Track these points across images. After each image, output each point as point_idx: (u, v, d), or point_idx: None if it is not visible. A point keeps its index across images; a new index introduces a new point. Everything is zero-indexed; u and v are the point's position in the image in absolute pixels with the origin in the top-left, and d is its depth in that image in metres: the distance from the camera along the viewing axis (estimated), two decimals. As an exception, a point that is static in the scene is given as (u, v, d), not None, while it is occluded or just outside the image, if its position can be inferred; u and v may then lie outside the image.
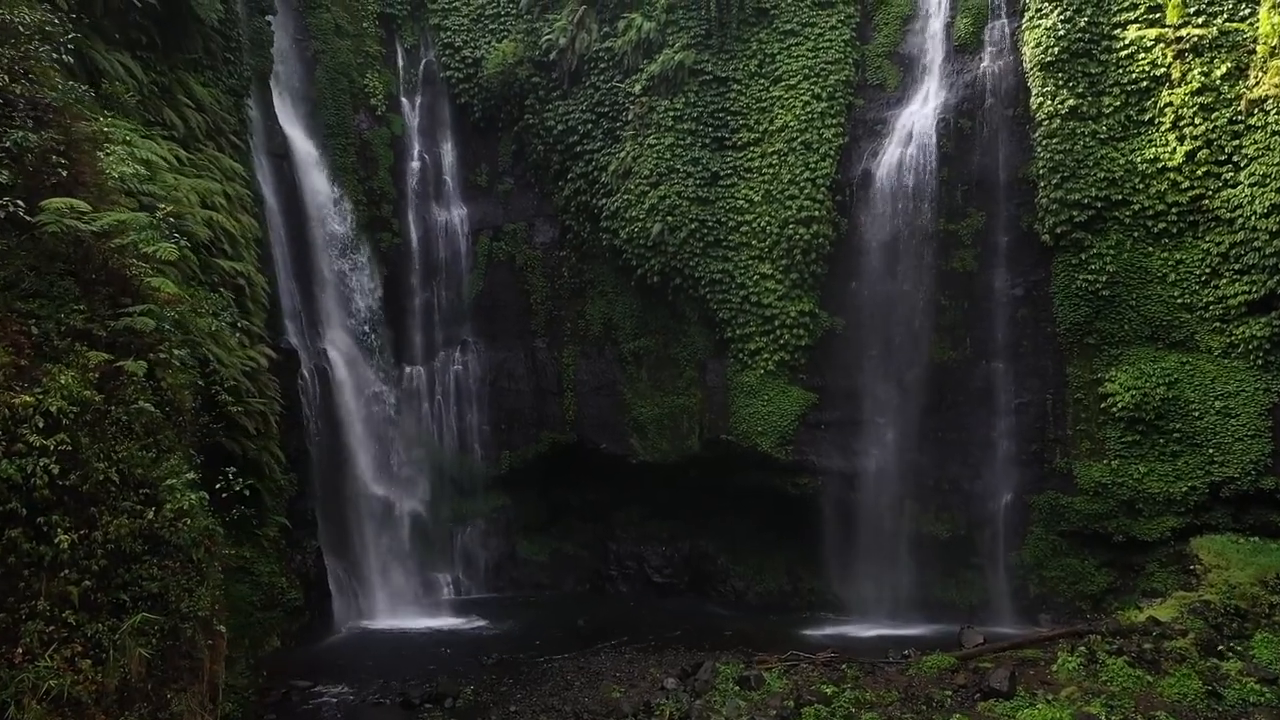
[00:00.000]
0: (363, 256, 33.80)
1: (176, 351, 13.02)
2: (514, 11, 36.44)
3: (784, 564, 33.46)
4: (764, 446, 31.69)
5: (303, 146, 32.49)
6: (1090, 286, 28.62)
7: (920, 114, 31.25)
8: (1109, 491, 28.25)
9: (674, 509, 35.28)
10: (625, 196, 33.31)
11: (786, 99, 32.40)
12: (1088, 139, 28.63)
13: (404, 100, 36.82)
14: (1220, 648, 20.10)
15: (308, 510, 28.43)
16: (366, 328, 33.50)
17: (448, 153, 37.19)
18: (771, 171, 32.13)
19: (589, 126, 34.65)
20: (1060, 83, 28.93)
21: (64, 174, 12.28)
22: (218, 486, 15.08)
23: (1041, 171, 29.12)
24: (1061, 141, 28.81)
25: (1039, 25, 29.41)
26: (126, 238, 12.27)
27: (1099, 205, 28.44)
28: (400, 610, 31.35)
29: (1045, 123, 29.10)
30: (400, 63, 36.97)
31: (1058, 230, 28.93)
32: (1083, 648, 20.39)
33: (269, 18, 31.55)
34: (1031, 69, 29.53)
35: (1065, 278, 29.04)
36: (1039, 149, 29.24)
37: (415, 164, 36.60)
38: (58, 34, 14.13)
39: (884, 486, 31.24)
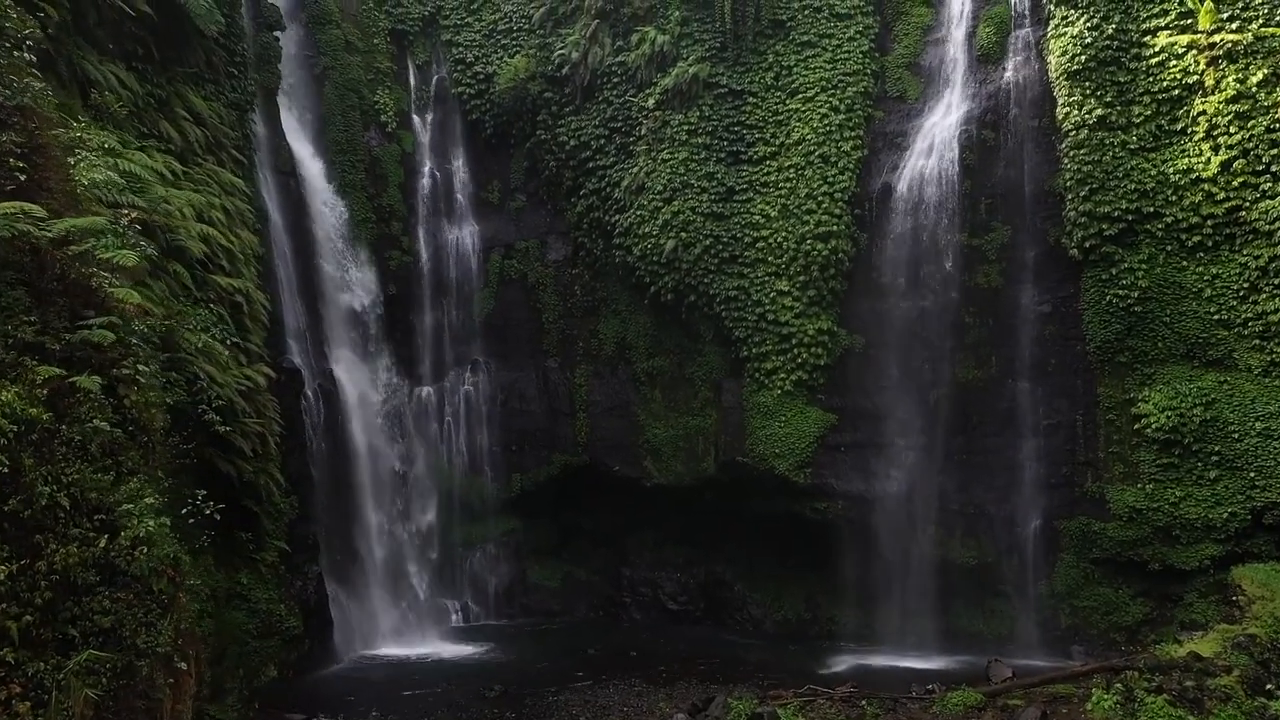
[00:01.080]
0: (371, 275, 33.14)
1: (142, 367, 12.21)
2: (526, 27, 35.90)
3: (803, 591, 32.29)
4: (781, 469, 30.61)
5: (310, 163, 31.97)
6: (1121, 302, 27.43)
7: (942, 125, 30.28)
8: (1144, 517, 26.94)
9: (689, 534, 34.23)
10: (638, 212, 32.52)
11: (804, 111, 31.54)
12: (1117, 149, 27.55)
13: (415, 117, 36.31)
14: (1269, 686, 18.77)
15: (309, 534, 27.61)
16: (374, 347, 32.79)
17: (459, 169, 36.59)
18: (788, 186, 31.24)
19: (602, 142, 33.94)
20: (1088, 92, 27.90)
21: (23, 179, 11.55)
22: (206, 509, 14.32)
23: (1069, 183, 28.05)
24: (1090, 152, 27.75)
25: (1065, 33, 28.44)
26: (84, 244, 11.51)
27: (1130, 218, 27.30)
28: (406, 638, 30.43)
29: (1072, 133, 28.07)
30: (412, 79, 36.50)
31: (1087, 244, 27.80)
32: (1119, 684, 19.08)
33: (277, 33, 31.12)
34: (1057, 78, 28.53)
35: (1095, 293, 27.88)
36: (1066, 160, 28.19)
37: (426, 181, 36.01)
38: (16, 32, 13.40)
39: (906, 511, 30.06)
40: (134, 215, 13.58)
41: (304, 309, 29.89)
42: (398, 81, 35.91)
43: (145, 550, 10.86)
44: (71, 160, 13.59)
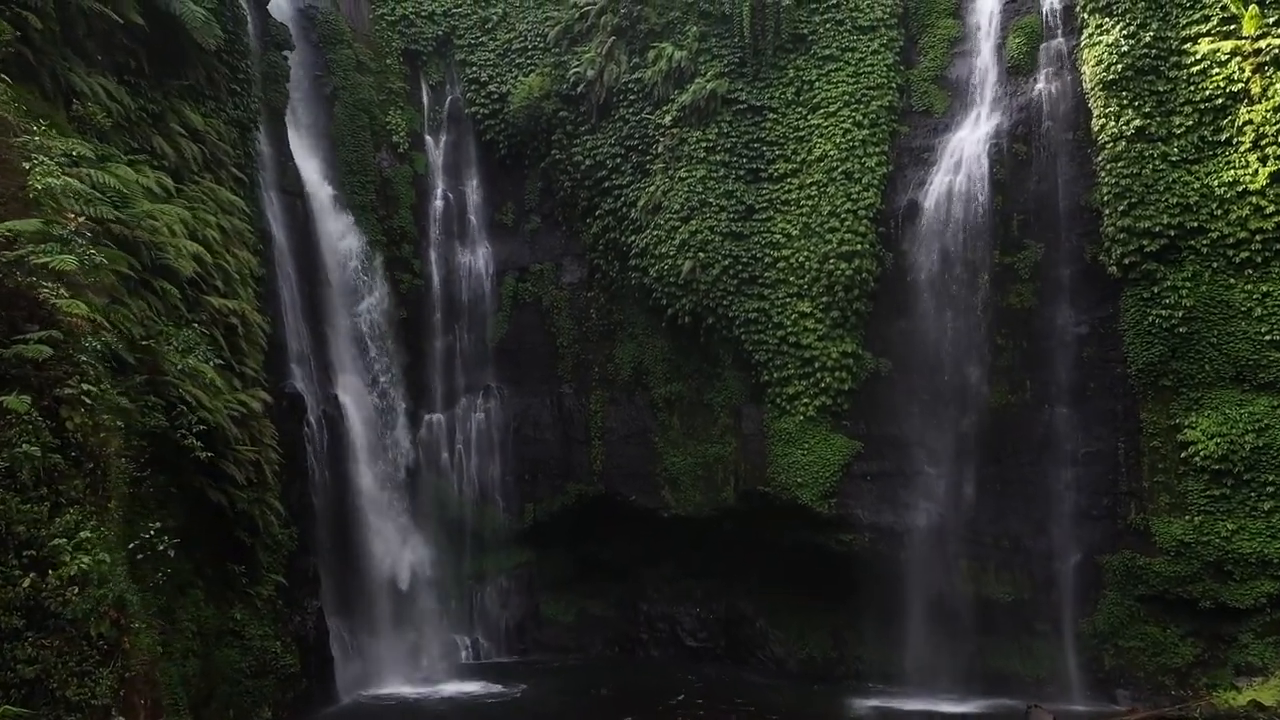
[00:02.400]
0: (380, 298, 32.21)
1: (90, 386, 11.13)
2: (541, 45, 35.17)
3: (828, 628, 30.73)
4: (804, 499, 29.20)
5: (318, 184, 31.20)
6: (1165, 323, 25.89)
7: (971, 139, 29.06)
8: (1193, 551, 25.24)
9: (708, 566, 32.85)
10: (655, 232, 31.44)
11: (826, 127, 30.42)
12: (1157, 162, 26.14)
13: (428, 137, 35.55)
14: (1339, 740, 17.09)
15: (309, 567, 26.47)
16: (382, 373, 31.79)
17: (472, 191, 35.74)
18: (810, 203, 30.07)
19: (618, 161, 32.97)
20: (1125, 102, 26.58)
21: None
22: (160, 544, 13.23)
23: (1106, 198, 26.66)
24: (1128, 165, 26.37)
25: (1099, 42, 27.17)
26: (18, 251, 10.50)
27: (1172, 233, 25.83)
28: (412, 676, 29.19)
29: (1109, 145, 26.72)
30: (425, 99, 35.80)
31: (1126, 261, 26.34)
32: (1173, 736, 17.48)
33: (285, 53, 30.51)
34: (1092, 89, 27.23)
35: (1136, 313, 26.37)
36: (1103, 174, 26.83)
37: (438, 203, 35.18)
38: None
39: (937, 544, 28.58)
40: (81, 220, 12.59)
41: (308, 333, 28.97)
42: (410, 102, 35.22)
43: (80, 590, 9.72)
44: (27, 166, 12.65)
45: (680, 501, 31.97)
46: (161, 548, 12.58)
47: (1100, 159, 27.01)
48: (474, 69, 35.53)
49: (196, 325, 18.84)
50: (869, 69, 30.51)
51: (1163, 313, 25.94)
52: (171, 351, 17.29)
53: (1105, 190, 26.75)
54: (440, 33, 35.62)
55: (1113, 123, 26.73)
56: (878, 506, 29.44)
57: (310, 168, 31.35)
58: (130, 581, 11.60)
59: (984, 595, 28.15)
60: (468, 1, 35.87)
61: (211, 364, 19.00)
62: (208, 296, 21.69)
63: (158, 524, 13.43)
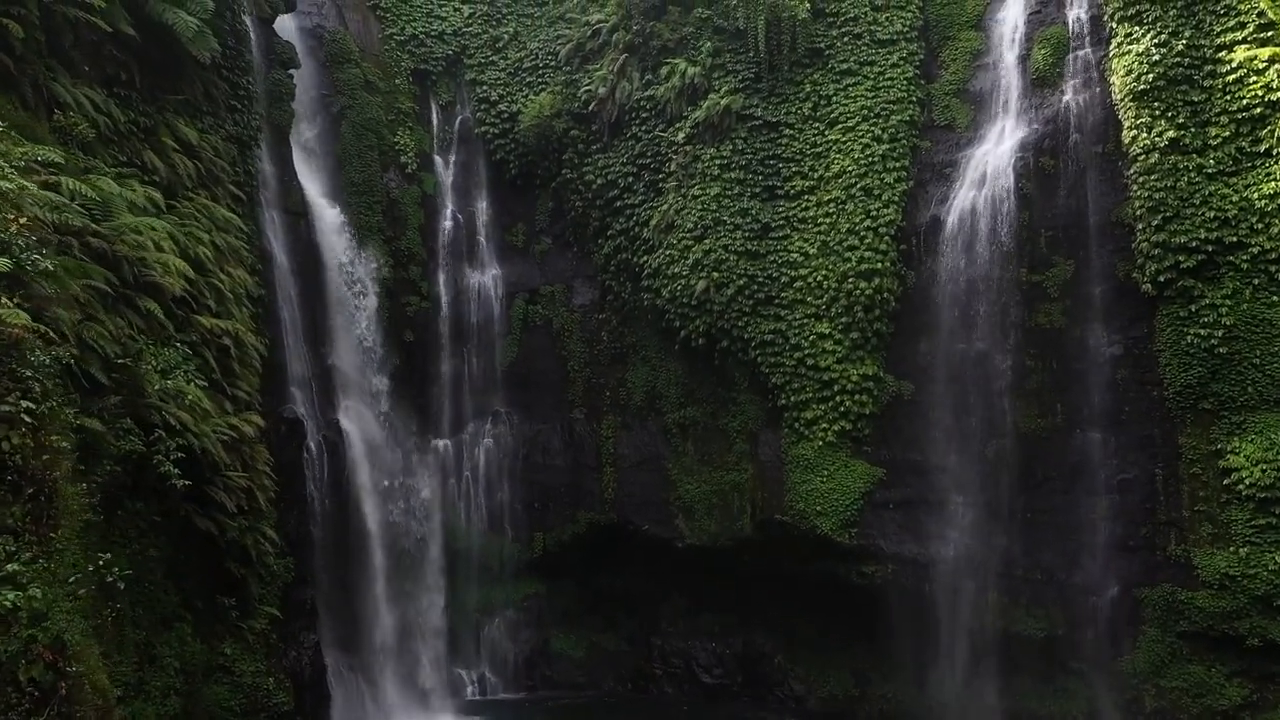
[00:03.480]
0: (386, 321, 31.34)
1: (32, 403, 10.18)
2: (553, 64, 34.50)
3: (850, 665, 29.44)
4: (824, 529, 27.97)
5: (323, 204, 30.49)
6: (1203, 343, 24.57)
7: (995, 154, 28.00)
8: (1239, 585, 23.76)
9: (725, 599, 31.64)
10: (667, 252, 30.49)
11: (844, 142, 29.45)
12: (1193, 174, 24.94)
13: (437, 158, 34.84)
14: None
15: (307, 599, 25.44)
16: (388, 397, 30.88)
17: (482, 211, 34.96)
18: (828, 221, 29.05)
19: (630, 179, 32.12)
20: (1157, 113, 25.43)
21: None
22: (109, 577, 12.22)
23: (1139, 212, 25.47)
24: (1162, 178, 25.17)
25: (1129, 51, 26.08)
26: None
27: (1210, 249, 24.57)
28: (415, 714, 28.02)
29: (1141, 158, 25.56)
30: (434, 119, 35.13)
31: (1161, 278, 25.08)
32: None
33: (291, 71, 29.92)
34: (1122, 99, 26.12)
35: (1172, 333, 25.05)
36: (1135, 187, 25.65)
37: (448, 224, 34.40)
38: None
39: (964, 576, 27.28)
40: (24, 221, 11.70)
41: (310, 356, 28.12)
42: (419, 122, 34.55)
43: (5, 630, 8.70)
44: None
45: (695, 531, 30.78)
46: (110, 579, 11.43)
47: (1132, 172, 25.84)
48: (484, 88, 34.87)
49: (180, 345, 17.90)
50: (888, 83, 29.58)
51: (1201, 332, 24.63)
52: (150, 372, 16.37)
53: (1138, 204, 25.56)
54: (450, 52, 35.01)
55: (1145, 134, 25.57)
56: (901, 537, 28.18)
57: (315, 188, 30.67)
58: (80, 618, 10.57)
59: (1015, 631, 26.78)
60: (478, 21, 35.29)
61: (195, 384, 18.10)
62: (199, 316, 20.86)
63: (108, 555, 12.29)
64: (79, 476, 14.62)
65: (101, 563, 11.58)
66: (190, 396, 17.39)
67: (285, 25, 31.08)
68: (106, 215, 17.01)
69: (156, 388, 16.25)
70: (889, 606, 28.04)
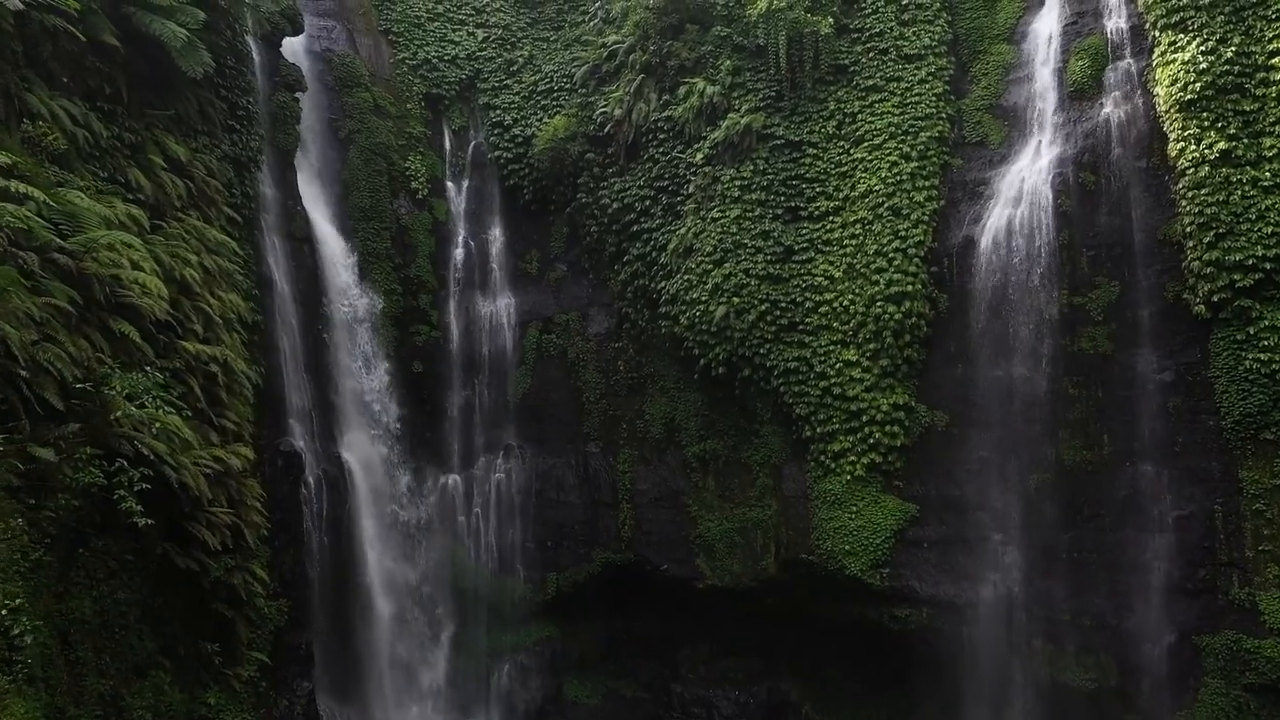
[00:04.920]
0: (393, 351, 30.13)
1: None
2: (568, 87, 33.55)
3: (883, 716, 27.52)
4: (853, 569, 26.26)
5: (329, 230, 29.51)
6: (1263, 367, 22.80)
7: (1031, 170, 26.53)
8: (1311, 633, 21.71)
9: (749, 644, 30.00)
10: (686, 277, 29.14)
11: (870, 161, 28.11)
12: (1246, 188, 23.30)
13: (449, 184, 33.80)
14: None
15: (301, 644, 24.05)
16: (394, 430, 29.59)
17: (495, 238, 33.81)
18: (854, 243, 27.63)
19: (647, 203, 30.89)
20: (1206, 124, 23.88)
21: None
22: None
23: (1189, 229, 23.81)
24: (1213, 193, 23.54)
25: (1174, 60, 24.61)
26: None
27: (1268, 266, 22.86)
28: (419, 766, 26.38)
29: (1190, 172, 23.96)
30: (447, 144, 34.15)
31: (1215, 299, 23.34)
32: None
33: (297, 94, 29.10)
34: (1168, 111, 24.60)
35: (1229, 357, 23.27)
36: (1184, 203, 24.02)
37: (459, 251, 33.26)
38: None
39: (1007, 621, 25.54)
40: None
41: (311, 386, 26.95)
42: (431, 147, 33.58)
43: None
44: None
45: (716, 571, 29.11)
46: (18, 632, 10.01)
47: (1180, 187, 24.22)
48: (498, 112, 33.91)
49: (152, 369, 16.60)
50: (916, 99, 28.28)
51: (1261, 356, 22.82)
52: (117, 398, 15.12)
53: (1188, 221, 23.91)
54: (464, 76, 34.11)
55: (1193, 147, 23.99)
56: (936, 578, 26.44)
57: (321, 213, 29.71)
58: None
59: (1062, 681, 24.95)
60: (493, 45, 34.45)
61: (173, 413, 16.85)
62: (184, 341, 19.74)
63: (18, 600, 10.88)
64: (28, 511, 13.38)
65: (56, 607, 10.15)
66: (162, 424, 16.11)
67: (293, 48, 30.32)
68: (76, 230, 15.89)
69: (125, 415, 14.94)
70: (925, 653, 26.26)
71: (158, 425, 15.59)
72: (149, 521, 15.22)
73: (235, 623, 20.69)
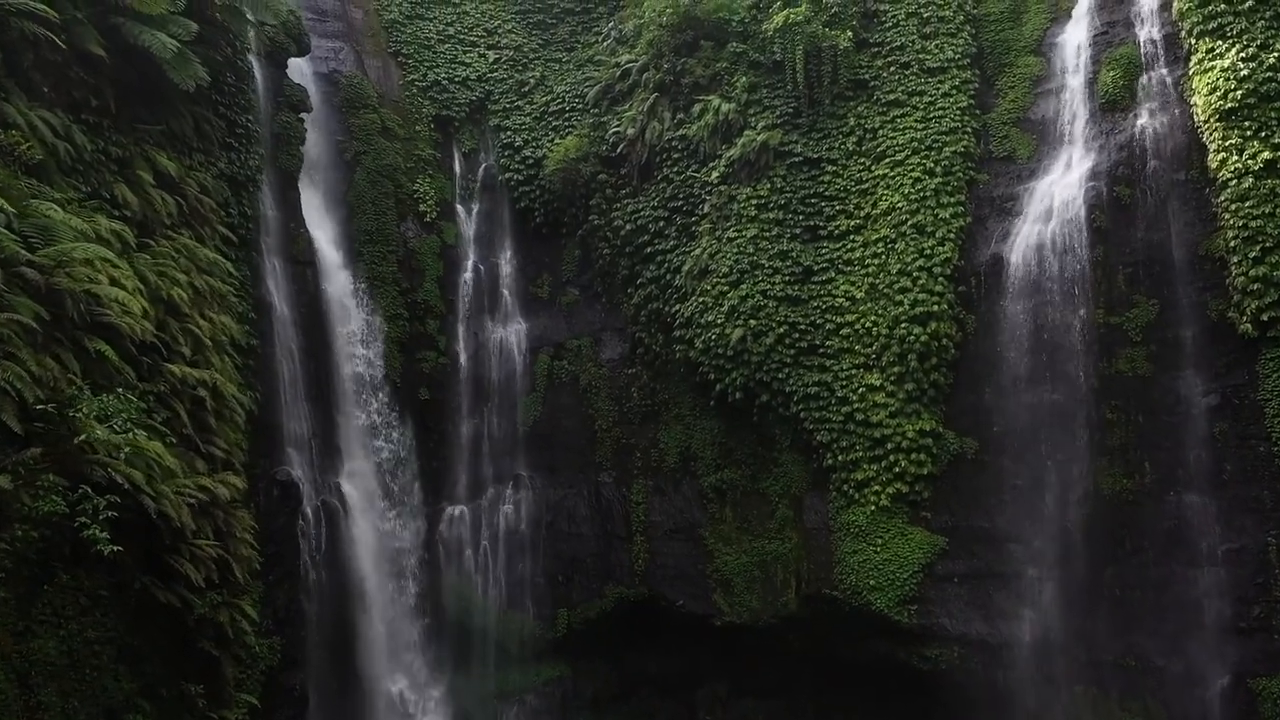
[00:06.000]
0: (398, 378, 29.13)
1: None
2: (580, 107, 32.77)
3: (913, 763, 25.78)
4: (879, 605, 24.88)
5: (332, 253, 28.71)
6: (1318, 390, 21.30)
7: (1062, 184, 25.38)
8: (1378, 677, 20.05)
9: (770, 684, 28.62)
10: (701, 299, 28.04)
11: (892, 177, 27.03)
12: (1294, 199, 21.94)
13: (459, 207, 32.94)
14: None
15: (296, 684, 22.91)
16: (398, 460, 28.55)
17: (506, 262, 32.88)
18: (877, 262, 26.49)
19: (661, 224, 29.90)
20: (1249, 133, 22.67)
21: None
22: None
23: (1233, 244, 22.52)
24: (1258, 204, 22.26)
25: (1213, 68, 23.45)
26: None
27: (1319, 281, 21.44)
28: (419, 815, 25.00)
29: (1233, 183, 22.72)
30: (457, 167, 33.36)
31: (1263, 317, 21.97)
32: None
33: (302, 115, 28.43)
34: (1207, 121, 23.39)
35: (1280, 379, 21.82)
36: (1227, 216, 22.73)
37: (468, 275, 32.33)
38: None
39: (1044, 662, 23.95)
40: None
41: (312, 413, 25.97)
42: (441, 170, 32.79)
43: None
44: None
45: (734, 607, 27.71)
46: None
47: (1222, 199, 22.93)
48: (508, 134, 33.13)
49: (124, 392, 15.57)
50: (940, 113, 27.28)
51: (1314, 377, 21.38)
52: (87, 421, 14.11)
53: (1231, 235, 22.59)
54: (474, 98, 33.40)
55: (1235, 157, 22.72)
56: (968, 615, 24.95)
57: (325, 236, 28.90)
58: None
59: (1106, 728, 23.14)
60: (504, 66, 33.77)
61: (152, 438, 15.83)
62: (170, 364, 18.80)
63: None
64: (-22, 542, 12.35)
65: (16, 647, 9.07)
66: (135, 449, 15.05)
67: (300, 70, 29.77)
68: (49, 244, 14.99)
69: (95, 439, 13.92)
70: (956, 695, 24.73)
71: (126, 450, 14.52)
72: (116, 549, 14.08)
73: (222, 662, 19.52)
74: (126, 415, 14.58)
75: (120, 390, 15.04)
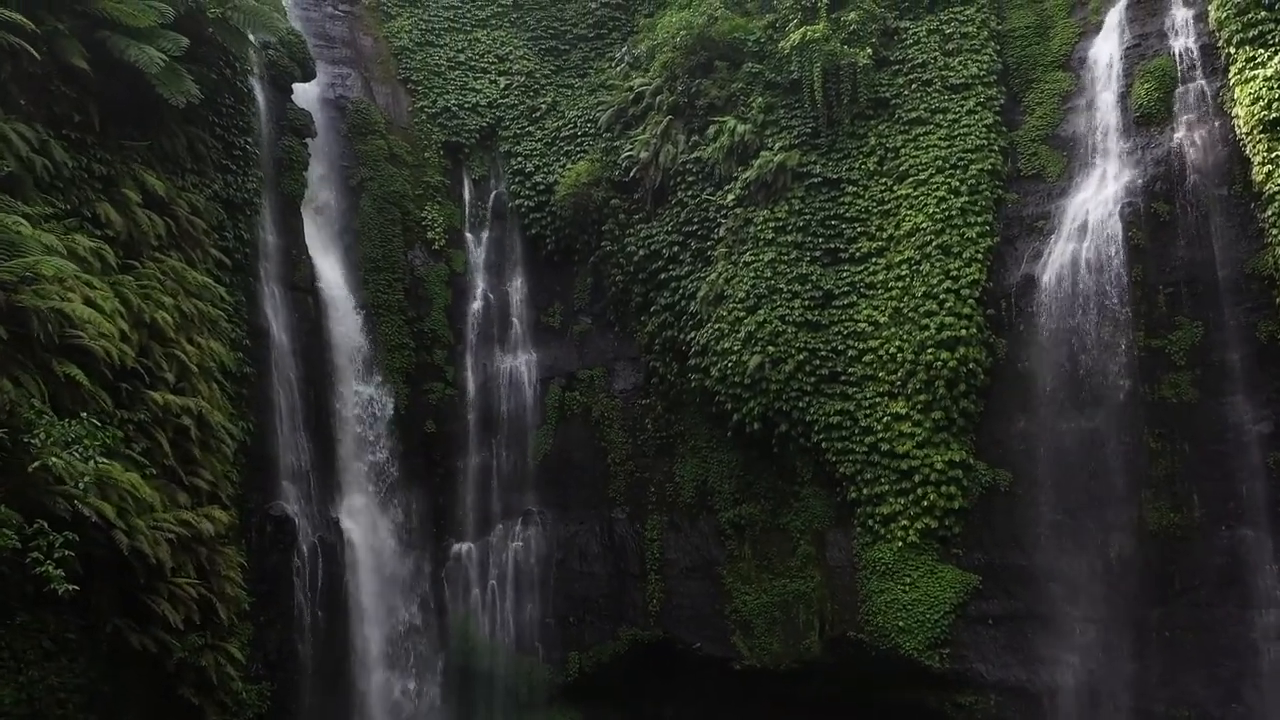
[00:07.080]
0: (403, 409, 28.08)
1: None
2: (592, 132, 31.92)
3: (947, 821, 24.04)
4: (908, 649, 23.34)
5: (336, 280, 27.86)
6: (1381, 415, 19.78)
7: (1096, 201, 24.17)
8: None
9: (794, 734, 26.65)
10: (717, 326, 26.88)
11: (916, 197, 25.92)
12: (1346, 212, 20.60)
13: (469, 235, 32.08)
14: None
15: (287, 732, 21.52)
16: (401, 495, 27.40)
17: (516, 290, 31.89)
18: (901, 285, 25.28)
19: (675, 249, 28.85)
20: (1295, 144, 21.30)
21: None
22: None
23: (1282, 261, 21.11)
24: (1308, 219, 20.88)
25: (1255, 77, 22.30)
26: None
27: (1378, 299, 20.02)
28: None
29: (1279, 198, 21.31)
30: (466, 194, 32.54)
31: (1318, 338, 20.51)
32: None
33: (306, 140, 27.77)
34: (1250, 132, 22.20)
35: (1338, 404, 20.34)
36: (1275, 232, 21.47)
37: (477, 304, 31.34)
38: None
39: (1088, 710, 22.29)
40: None
41: (310, 446, 24.92)
42: (450, 197, 31.98)
43: None
44: None
45: (754, 650, 26.22)
46: None
47: (1269, 215, 21.63)
48: (519, 159, 32.30)
49: (88, 416, 14.47)
50: (965, 130, 26.17)
51: (1377, 402, 19.88)
52: (47, 449, 13.05)
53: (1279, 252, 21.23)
54: (485, 124, 32.63)
55: (1281, 169, 21.44)
56: (1004, 659, 23.36)
57: (328, 263, 28.08)
58: None
59: (1157, 784, 21.43)
60: (515, 91, 33.03)
61: (125, 468, 14.77)
62: (152, 391, 17.79)
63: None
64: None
65: None
66: (98, 479, 13.97)
67: (307, 96, 29.17)
68: (13, 258, 14.07)
69: (59, 468, 12.85)
70: (995, 748, 22.99)
71: (87, 479, 13.43)
72: (72, 589, 12.93)
73: (205, 711, 18.36)
74: (92, 442, 13.48)
75: (85, 415, 13.98)
